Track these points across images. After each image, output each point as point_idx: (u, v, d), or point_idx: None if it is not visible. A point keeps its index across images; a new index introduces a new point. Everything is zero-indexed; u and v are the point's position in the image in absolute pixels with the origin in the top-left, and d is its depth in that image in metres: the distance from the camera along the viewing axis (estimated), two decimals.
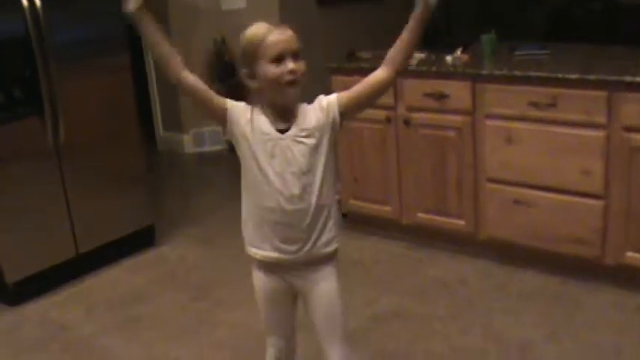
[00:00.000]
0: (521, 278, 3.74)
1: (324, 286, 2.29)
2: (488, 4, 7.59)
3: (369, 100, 2.32)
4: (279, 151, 2.16)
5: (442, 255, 4.06)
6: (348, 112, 2.25)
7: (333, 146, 2.23)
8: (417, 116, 3.95)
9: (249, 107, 2.21)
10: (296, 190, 2.17)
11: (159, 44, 2.16)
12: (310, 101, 2.25)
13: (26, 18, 3.69)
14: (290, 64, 2.13)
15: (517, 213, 3.71)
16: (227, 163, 5.98)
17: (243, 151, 2.20)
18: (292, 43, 2.16)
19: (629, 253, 3.44)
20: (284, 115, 2.18)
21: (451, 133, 3.84)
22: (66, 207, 4.01)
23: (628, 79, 3.24)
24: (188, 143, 6.60)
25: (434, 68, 3.86)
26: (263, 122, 2.17)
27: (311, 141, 2.17)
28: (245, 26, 2.22)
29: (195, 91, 2.18)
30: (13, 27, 3.70)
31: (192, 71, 2.16)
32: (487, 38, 4.02)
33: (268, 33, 2.15)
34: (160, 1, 6.31)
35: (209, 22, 6.17)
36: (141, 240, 4.45)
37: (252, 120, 2.17)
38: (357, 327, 3.40)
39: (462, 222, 3.95)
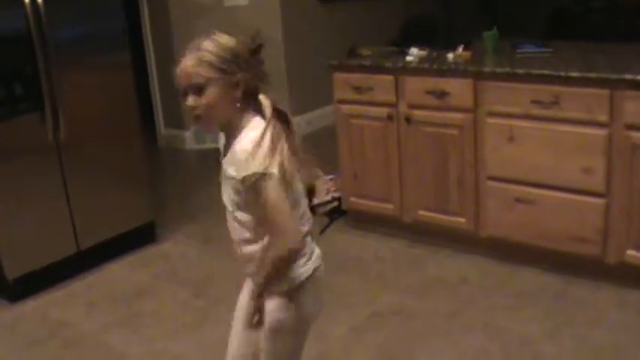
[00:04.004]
0: (522, 276, 3.74)
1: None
2: (490, 2, 7.59)
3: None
4: (223, 176, 2.09)
5: (443, 253, 4.06)
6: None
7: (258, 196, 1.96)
8: (418, 114, 3.94)
9: None
10: (228, 217, 2.12)
11: None
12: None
13: (27, 14, 3.68)
14: (189, 100, 1.97)
15: (518, 211, 3.70)
16: None
17: None
18: (190, 78, 1.95)
19: (631, 252, 3.43)
20: (230, 137, 2.05)
21: (452, 131, 3.83)
22: (67, 203, 4.01)
23: (629, 77, 3.23)
24: (189, 140, 6.60)
25: (435, 66, 3.85)
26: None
27: (232, 180, 2.01)
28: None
29: None
30: (15, 23, 3.69)
31: None
32: (489, 35, 4.01)
33: (179, 63, 1.98)
34: None
35: (211, 18, 6.16)
36: (142, 236, 4.45)
37: None
38: (358, 325, 3.41)
39: (463, 220, 3.94)
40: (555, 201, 3.57)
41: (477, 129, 3.75)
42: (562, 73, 3.42)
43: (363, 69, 4.12)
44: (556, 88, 3.44)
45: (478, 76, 3.69)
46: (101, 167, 4.17)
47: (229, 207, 2.09)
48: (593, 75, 3.34)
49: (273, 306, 2.12)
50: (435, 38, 4.41)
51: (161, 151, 6.73)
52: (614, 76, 3.28)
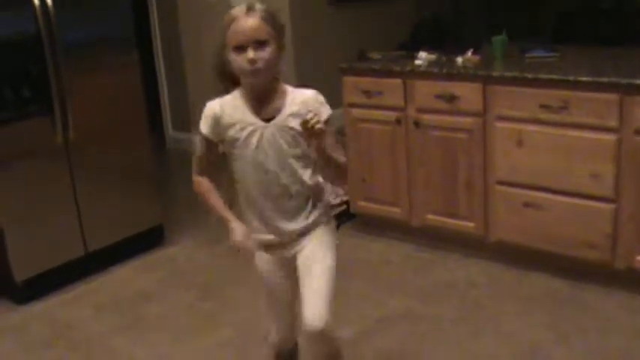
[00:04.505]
0: (531, 281, 3.72)
1: (312, 244, 2.41)
2: (498, 6, 7.57)
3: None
4: (264, 139, 2.24)
5: (452, 257, 4.05)
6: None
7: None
8: (427, 118, 3.93)
9: (221, 104, 2.29)
10: (276, 177, 2.29)
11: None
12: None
13: (37, 17, 3.69)
14: (250, 54, 2.13)
15: (527, 216, 3.69)
16: None
17: (233, 145, 2.31)
18: (255, 33, 2.15)
19: None
20: (266, 101, 2.24)
21: (461, 135, 3.82)
22: (75, 206, 4.02)
23: None
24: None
25: (444, 70, 3.84)
26: (244, 111, 2.25)
27: (293, 130, 2.24)
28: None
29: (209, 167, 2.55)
30: (24, 25, 3.70)
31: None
32: (498, 40, 4.00)
33: (234, 20, 2.17)
34: None
35: (219, 18, 6.15)
36: (149, 240, 4.45)
37: (232, 112, 2.26)
38: (366, 329, 3.40)
39: (471, 224, 3.93)
40: (564, 206, 3.56)
41: (486, 133, 3.74)
42: (571, 78, 3.40)
43: (372, 72, 4.11)
44: (565, 93, 3.42)
45: (487, 81, 3.68)
46: (109, 170, 4.18)
47: (289, 161, 2.27)
48: (603, 80, 3.32)
49: (327, 229, 2.45)
50: (444, 42, 4.40)
51: (169, 154, 6.74)
52: (624, 81, 3.26)
